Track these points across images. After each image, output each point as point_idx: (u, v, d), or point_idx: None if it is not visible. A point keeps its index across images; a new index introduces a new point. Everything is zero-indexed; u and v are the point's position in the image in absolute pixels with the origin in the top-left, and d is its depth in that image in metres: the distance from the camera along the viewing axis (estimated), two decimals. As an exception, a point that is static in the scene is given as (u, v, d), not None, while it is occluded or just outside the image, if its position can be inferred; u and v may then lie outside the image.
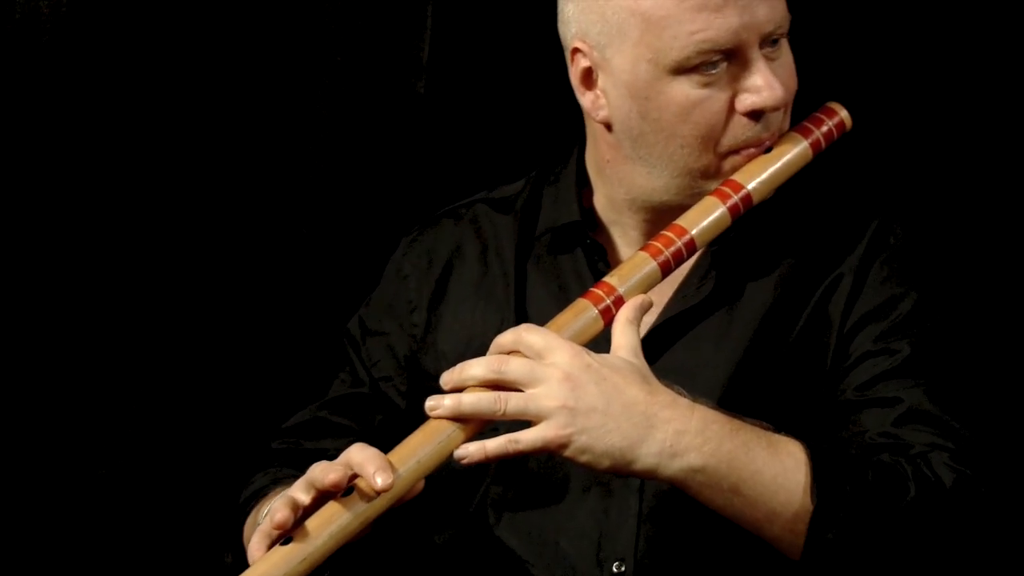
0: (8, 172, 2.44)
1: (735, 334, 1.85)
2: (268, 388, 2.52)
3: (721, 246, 1.87)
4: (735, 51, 1.79)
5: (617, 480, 1.84)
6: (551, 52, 2.57)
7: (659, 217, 1.87)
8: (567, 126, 2.54)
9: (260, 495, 1.90)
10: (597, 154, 1.93)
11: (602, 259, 1.91)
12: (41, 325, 2.47)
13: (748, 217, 1.84)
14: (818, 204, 1.91)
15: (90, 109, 2.45)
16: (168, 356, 2.53)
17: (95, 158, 2.47)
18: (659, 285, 1.84)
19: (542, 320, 1.81)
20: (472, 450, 1.67)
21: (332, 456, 1.89)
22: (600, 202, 1.95)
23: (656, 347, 1.84)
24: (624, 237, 1.93)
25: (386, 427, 1.99)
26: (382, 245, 2.57)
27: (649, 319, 1.86)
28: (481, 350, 1.80)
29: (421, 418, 1.72)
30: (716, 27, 1.76)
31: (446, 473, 1.90)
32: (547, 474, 1.88)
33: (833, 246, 1.87)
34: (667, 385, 1.70)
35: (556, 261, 1.94)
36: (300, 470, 1.85)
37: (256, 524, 1.77)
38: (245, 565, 1.65)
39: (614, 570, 1.84)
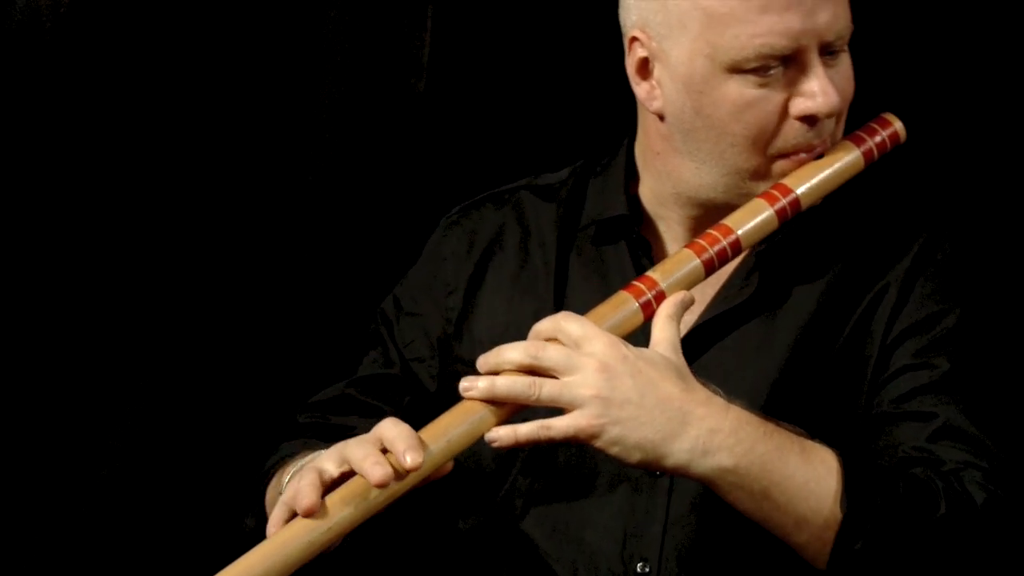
0: (8, 172, 2.44)
1: (777, 338, 1.84)
2: (267, 388, 2.52)
3: (767, 248, 1.86)
4: (794, 56, 1.78)
5: (646, 478, 1.83)
6: (551, 52, 2.58)
7: (704, 213, 1.87)
8: (567, 125, 2.56)
9: (284, 459, 1.88)
10: (647, 145, 1.91)
11: (646, 255, 1.90)
12: (42, 325, 2.47)
13: (796, 221, 1.83)
14: (867, 213, 1.89)
15: (90, 109, 2.45)
16: (168, 357, 2.53)
17: (95, 158, 2.47)
18: (701, 284, 1.82)
19: (580, 312, 1.79)
20: (503, 433, 1.66)
21: (359, 433, 1.90)
22: (646, 194, 1.93)
23: (696, 346, 1.83)
24: (669, 232, 1.91)
25: (414, 409, 1.97)
26: (382, 244, 2.58)
27: (690, 318, 1.85)
28: (517, 338, 1.79)
29: (450, 402, 1.71)
30: (778, 32, 1.76)
31: (475, 461, 1.91)
32: (576, 468, 1.87)
33: (880, 257, 1.86)
34: (703, 384, 1.69)
35: (599, 253, 1.92)
36: (326, 443, 1.84)
37: (279, 487, 1.77)
38: (264, 531, 1.65)
39: (637, 570, 1.82)
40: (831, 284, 1.85)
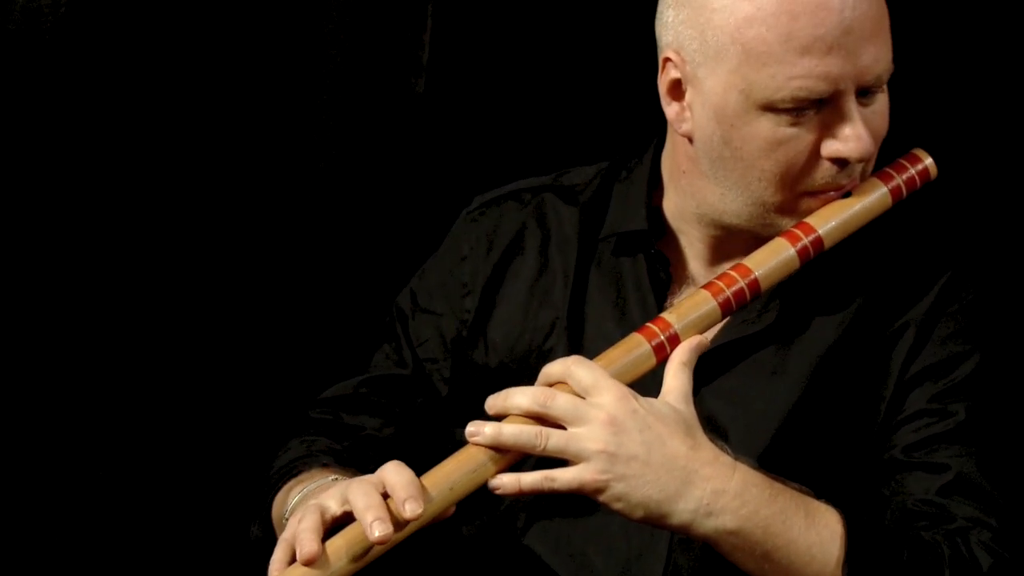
0: (8, 172, 2.44)
1: (792, 369, 1.82)
2: (271, 386, 2.52)
3: (789, 278, 1.82)
4: (831, 98, 1.74)
5: None
6: (550, 52, 2.59)
7: (726, 234, 1.85)
8: (567, 124, 2.56)
9: (294, 470, 1.87)
10: (674, 161, 1.88)
11: (664, 269, 1.89)
12: (42, 325, 2.47)
13: (819, 257, 1.80)
14: (892, 249, 1.86)
15: (90, 108, 2.45)
16: (172, 355, 2.53)
17: (95, 158, 2.47)
18: None
19: (595, 324, 1.79)
20: (507, 481, 1.65)
21: (368, 435, 1.88)
22: (669, 208, 1.91)
23: (710, 370, 1.81)
24: (690, 248, 1.89)
25: (426, 410, 1.97)
26: (381, 244, 2.58)
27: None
28: (531, 347, 1.78)
29: (462, 406, 1.70)
30: (816, 75, 1.71)
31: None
32: None
33: (902, 294, 1.83)
34: (711, 440, 1.68)
35: (618, 264, 1.90)
36: (336, 441, 1.86)
37: (285, 506, 1.78)
38: (272, 539, 1.65)
39: None
40: (851, 318, 1.83)
